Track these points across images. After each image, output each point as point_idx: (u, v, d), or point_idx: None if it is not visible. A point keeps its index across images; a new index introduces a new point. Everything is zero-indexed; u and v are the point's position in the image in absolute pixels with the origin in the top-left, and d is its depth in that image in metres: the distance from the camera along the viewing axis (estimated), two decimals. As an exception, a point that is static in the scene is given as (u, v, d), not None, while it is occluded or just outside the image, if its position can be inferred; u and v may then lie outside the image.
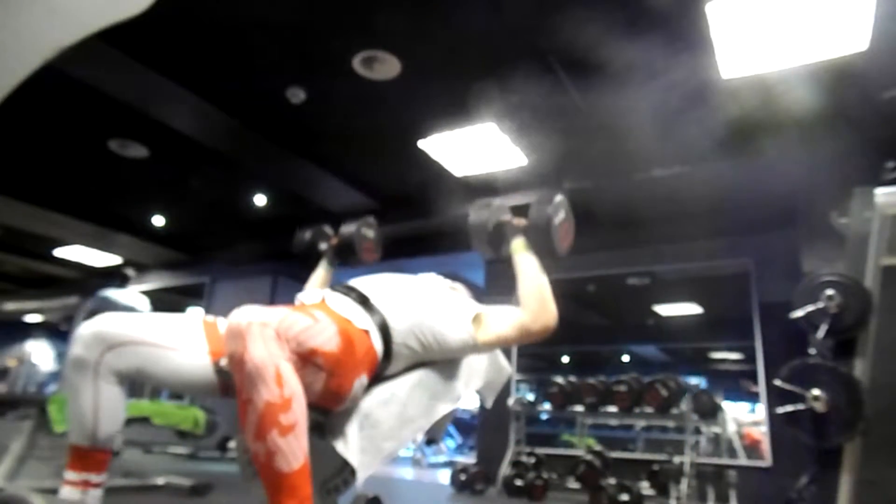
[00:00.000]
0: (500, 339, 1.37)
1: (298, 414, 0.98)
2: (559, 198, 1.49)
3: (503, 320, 1.38)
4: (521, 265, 1.43)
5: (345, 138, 4.46)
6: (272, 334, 0.98)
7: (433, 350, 1.37)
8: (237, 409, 1.00)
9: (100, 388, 1.10)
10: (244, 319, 0.98)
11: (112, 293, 4.46)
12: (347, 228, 1.79)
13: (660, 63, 3.04)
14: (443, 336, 1.36)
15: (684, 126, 3.42)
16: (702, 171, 4.13)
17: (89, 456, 1.13)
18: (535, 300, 1.36)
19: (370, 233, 1.83)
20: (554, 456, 4.85)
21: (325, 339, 1.07)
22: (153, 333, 1.14)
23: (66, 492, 1.11)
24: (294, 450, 0.97)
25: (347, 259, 1.80)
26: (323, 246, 1.84)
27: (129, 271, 5.04)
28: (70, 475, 1.12)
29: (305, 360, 1.03)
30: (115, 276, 4.93)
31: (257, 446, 0.97)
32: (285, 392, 0.96)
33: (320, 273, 1.81)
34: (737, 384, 5.87)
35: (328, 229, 1.89)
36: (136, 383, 1.18)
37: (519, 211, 1.53)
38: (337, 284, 1.44)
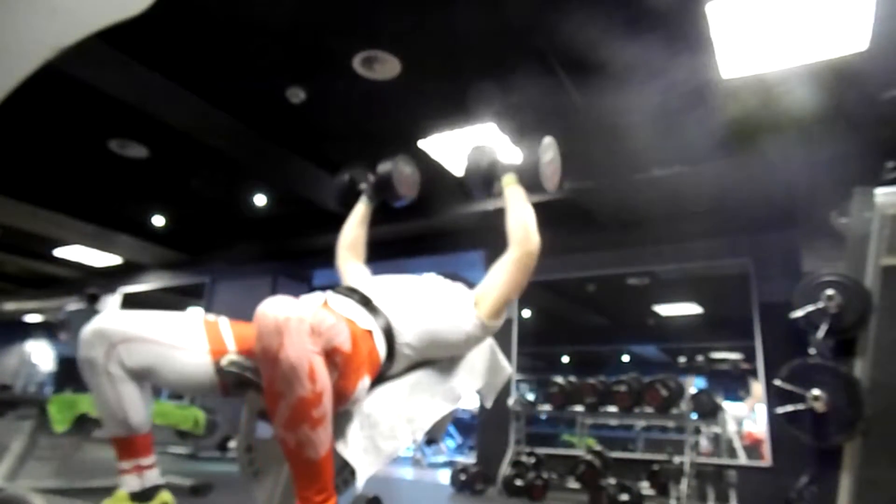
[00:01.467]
0: (502, 292, 1.43)
1: (327, 406, 1.02)
2: (548, 139, 1.62)
3: (495, 276, 1.45)
4: (510, 197, 1.54)
5: (345, 138, 4.46)
6: (308, 329, 0.98)
7: (436, 349, 1.37)
8: (263, 398, 1.02)
9: (115, 382, 1.12)
10: (281, 314, 0.96)
11: (79, 309, 4.57)
12: (385, 165, 1.85)
13: (660, 63, 3.04)
14: (446, 335, 1.37)
15: (684, 126, 3.42)
16: (702, 171, 4.13)
17: (132, 443, 1.17)
18: (521, 228, 1.46)
19: (407, 168, 1.89)
20: (554, 456, 4.84)
21: (345, 338, 1.08)
22: (155, 331, 1.15)
23: (126, 480, 1.17)
24: (322, 440, 1.02)
25: (386, 194, 1.86)
26: (362, 185, 1.89)
27: (95, 291, 5.16)
28: (123, 465, 1.17)
29: (327, 356, 1.04)
30: (83, 295, 5.01)
31: (287, 435, 1.00)
32: (317, 387, 0.98)
33: (360, 209, 1.88)
34: (736, 384, 5.87)
35: (366, 170, 1.94)
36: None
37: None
38: (338, 286, 1.44)
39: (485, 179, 1.63)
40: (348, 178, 1.92)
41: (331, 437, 1.04)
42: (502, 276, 1.44)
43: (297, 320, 0.97)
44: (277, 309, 0.97)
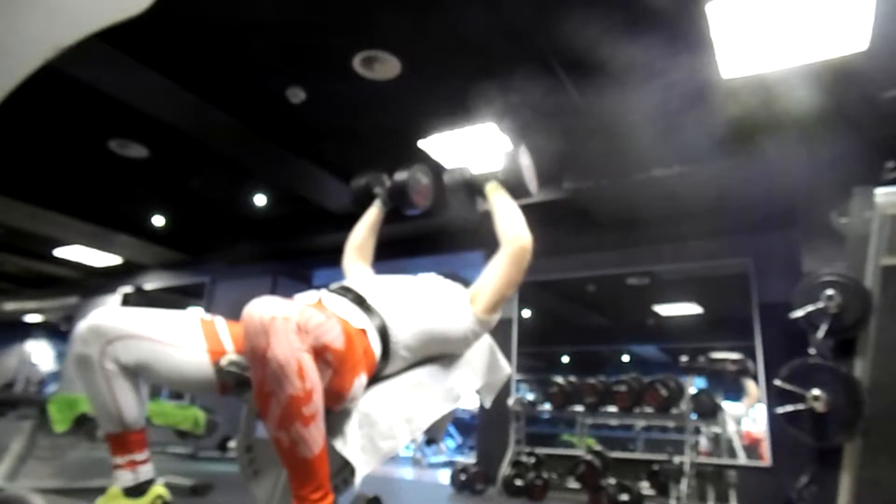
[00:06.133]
0: (497, 288, 1.45)
1: (318, 403, 1.02)
2: (521, 146, 1.70)
3: (489, 272, 1.47)
4: (497, 202, 1.58)
5: (345, 138, 4.46)
6: (294, 327, 0.98)
7: (432, 348, 1.37)
8: (254, 399, 1.02)
9: (110, 379, 1.12)
10: (266, 313, 0.97)
11: None
12: (401, 174, 1.88)
13: (660, 63, 3.04)
14: (443, 333, 1.37)
15: (684, 126, 3.42)
16: (702, 171, 4.12)
17: (126, 439, 1.18)
18: (512, 227, 1.50)
19: (424, 179, 1.91)
20: (554, 456, 4.84)
21: (335, 335, 1.08)
22: (151, 328, 1.15)
23: (120, 475, 1.17)
24: (315, 437, 1.02)
25: (400, 202, 1.89)
26: (378, 190, 1.93)
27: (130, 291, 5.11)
28: (117, 460, 1.18)
29: (317, 354, 1.04)
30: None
31: (280, 434, 1.00)
32: (307, 385, 0.99)
33: (373, 212, 1.90)
34: (737, 384, 5.86)
35: (383, 176, 1.98)
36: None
37: None
38: (332, 284, 1.44)
39: (468, 193, 1.68)
40: (364, 182, 1.96)
41: (324, 434, 1.04)
42: (497, 272, 1.46)
43: (283, 319, 0.97)
44: (263, 309, 0.98)
